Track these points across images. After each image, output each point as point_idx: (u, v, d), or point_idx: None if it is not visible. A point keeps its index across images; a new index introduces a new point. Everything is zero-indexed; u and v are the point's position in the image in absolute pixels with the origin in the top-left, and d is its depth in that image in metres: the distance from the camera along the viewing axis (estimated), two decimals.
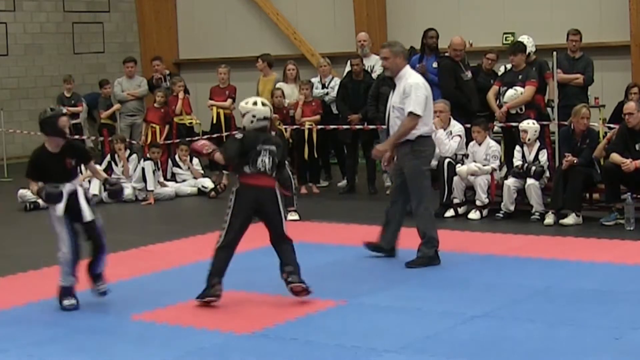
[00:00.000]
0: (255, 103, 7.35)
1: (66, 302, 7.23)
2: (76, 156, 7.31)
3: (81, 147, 7.90)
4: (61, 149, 7.21)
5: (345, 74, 13.43)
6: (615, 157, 10.13)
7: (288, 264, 7.28)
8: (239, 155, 7.18)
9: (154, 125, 14.11)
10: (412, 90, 8.28)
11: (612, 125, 11.77)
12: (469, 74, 12.22)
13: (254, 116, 7.28)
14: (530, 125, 10.81)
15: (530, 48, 12.21)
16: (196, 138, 14.26)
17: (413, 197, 8.47)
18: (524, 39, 12.32)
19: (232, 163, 7.28)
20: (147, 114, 14.51)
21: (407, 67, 8.56)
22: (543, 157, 10.72)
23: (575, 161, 10.27)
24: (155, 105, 14.27)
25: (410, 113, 8.24)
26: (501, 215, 10.70)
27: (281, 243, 7.34)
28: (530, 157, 10.74)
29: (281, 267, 7.32)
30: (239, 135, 7.29)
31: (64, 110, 7.36)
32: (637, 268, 8.18)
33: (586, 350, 5.96)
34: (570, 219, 10.21)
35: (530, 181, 10.57)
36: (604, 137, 11.74)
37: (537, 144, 10.81)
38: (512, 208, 10.70)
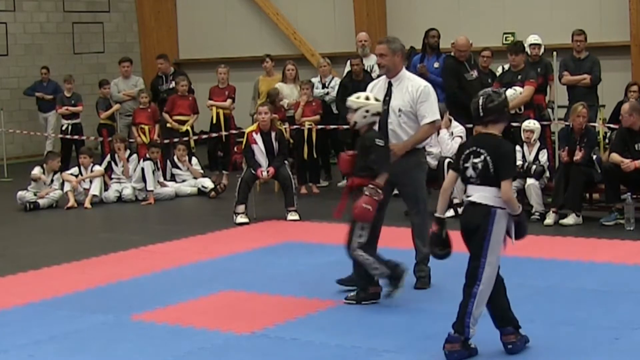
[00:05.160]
0: (367, 98, 7.15)
1: None
2: None
3: None
4: None
5: (345, 74, 13.42)
6: (615, 157, 10.12)
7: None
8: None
9: (143, 126, 14.06)
10: (428, 96, 7.52)
11: (612, 125, 11.77)
12: (474, 74, 12.16)
13: (367, 111, 7.07)
14: (536, 126, 10.80)
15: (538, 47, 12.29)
16: (194, 138, 14.30)
17: (418, 212, 7.70)
18: (535, 37, 12.35)
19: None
20: (134, 117, 14.33)
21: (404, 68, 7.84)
22: (543, 157, 10.71)
23: (575, 158, 10.24)
24: (141, 106, 14.23)
25: (432, 122, 7.52)
26: None
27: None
28: (530, 157, 10.73)
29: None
30: (381, 142, 7.10)
31: None
32: (637, 268, 8.18)
33: (586, 350, 5.96)
34: (570, 219, 10.20)
35: (530, 181, 10.56)
36: (604, 137, 11.73)
37: (537, 144, 10.81)
38: None
